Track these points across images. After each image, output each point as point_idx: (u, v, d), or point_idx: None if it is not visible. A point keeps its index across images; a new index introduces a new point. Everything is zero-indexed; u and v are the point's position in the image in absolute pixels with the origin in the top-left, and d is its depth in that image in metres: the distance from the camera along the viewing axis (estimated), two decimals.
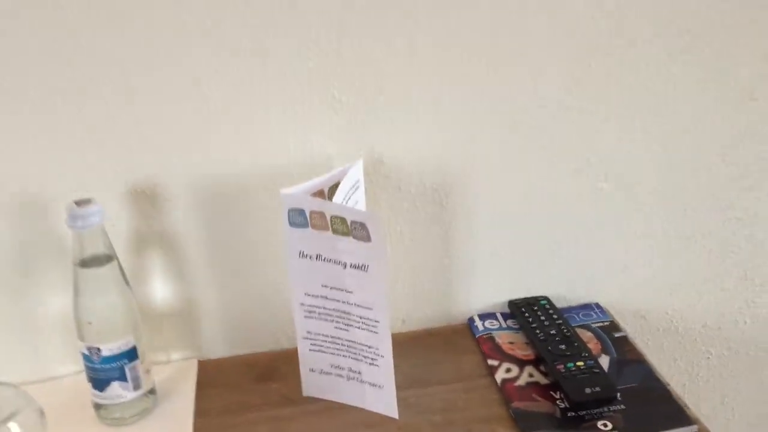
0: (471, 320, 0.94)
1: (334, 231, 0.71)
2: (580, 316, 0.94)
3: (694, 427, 0.75)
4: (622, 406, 0.78)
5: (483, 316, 0.94)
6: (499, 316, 0.94)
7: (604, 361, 0.85)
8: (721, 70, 0.88)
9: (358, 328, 0.75)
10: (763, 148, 0.93)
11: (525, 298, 0.95)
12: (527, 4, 0.81)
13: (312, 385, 0.82)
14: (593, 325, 0.92)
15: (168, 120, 0.79)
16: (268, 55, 0.78)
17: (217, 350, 0.91)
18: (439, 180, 0.87)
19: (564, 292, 0.97)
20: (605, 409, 0.77)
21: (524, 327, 0.89)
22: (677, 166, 0.92)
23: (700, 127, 0.91)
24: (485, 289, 0.95)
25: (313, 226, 0.72)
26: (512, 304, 0.94)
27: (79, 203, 0.72)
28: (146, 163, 0.80)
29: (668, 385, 0.81)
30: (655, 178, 0.93)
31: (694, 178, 0.93)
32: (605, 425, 0.75)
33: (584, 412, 0.77)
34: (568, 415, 0.77)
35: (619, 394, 0.79)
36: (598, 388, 0.78)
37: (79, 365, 0.80)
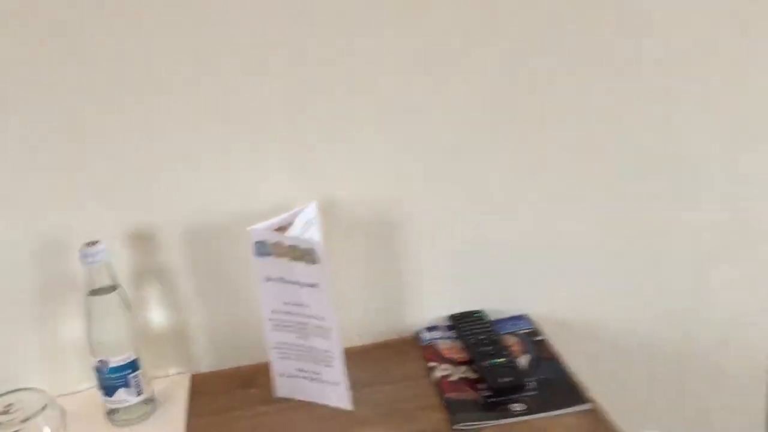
0: (418, 332, 1.12)
1: (291, 258, 0.90)
2: (510, 324, 1.12)
3: (588, 405, 0.92)
4: (535, 392, 0.95)
5: (429, 329, 1.12)
6: (441, 327, 1.12)
7: (525, 359, 1.03)
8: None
9: (315, 335, 0.94)
10: (680, 166, 1.11)
11: (463, 312, 1.13)
12: (456, 56, 1.01)
13: (283, 387, 1.00)
14: (519, 332, 1.10)
15: (160, 177, 0.99)
16: (231, 121, 0.99)
17: (207, 364, 1.09)
18: (386, 212, 1.07)
19: (498, 305, 1.15)
20: (519, 395, 0.95)
21: (461, 335, 1.07)
22: (602, 187, 1.11)
23: (617, 151, 1.10)
24: (431, 305, 1.13)
25: (275, 255, 0.91)
26: (453, 317, 1.12)
27: (88, 244, 0.92)
28: (142, 212, 1.00)
29: (574, 375, 0.99)
30: (581, 197, 1.11)
31: (614, 195, 1.12)
32: (519, 407, 0.93)
33: (502, 398, 0.94)
34: (489, 401, 0.94)
35: (533, 383, 0.96)
36: (511, 378, 0.96)
37: (92, 381, 0.98)
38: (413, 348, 1.10)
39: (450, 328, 1.11)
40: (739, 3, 1.05)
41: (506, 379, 0.95)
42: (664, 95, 1.08)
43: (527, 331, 1.10)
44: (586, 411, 0.92)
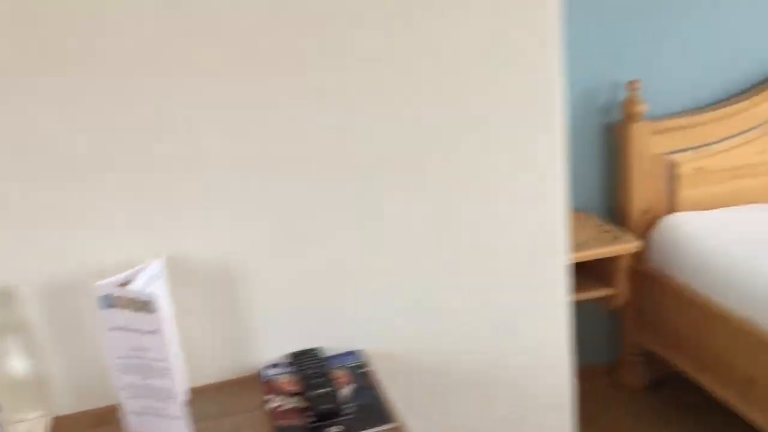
0: (261, 370, 1.27)
1: (133, 309, 1.04)
2: (341, 359, 1.28)
3: (394, 424, 1.09)
4: (353, 416, 1.11)
5: (271, 366, 1.27)
6: (282, 364, 1.27)
7: (349, 389, 1.19)
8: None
9: (157, 376, 1.07)
10: (460, 210, 1.31)
11: (303, 350, 1.28)
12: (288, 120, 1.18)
13: (134, 424, 1.12)
14: (348, 365, 1.26)
15: (16, 237, 1.11)
16: (83, 180, 1.12)
17: (67, 407, 1.20)
18: (229, 263, 1.22)
19: (335, 342, 1.31)
20: (339, 419, 1.11)
21: (297, 371, 1.23)
22: (417, 233, 1.30)
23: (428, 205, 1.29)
24: (274, 345, 1.28)
25: (119, 307, 1.05)
26: (293, 354, 1.27)
27: None
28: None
29: (388, 400, 1.16)
30: (401, 242, 1.29)
31: (429, 243, 1.31)
32: (336, 429, 1.09)
33: (324, 423, 1.10)
34: (313, 425, 1.10)
35: (353, 408, 1.13)
36: (331, 405, 1.12)
37: None
38: (255, 384, 1.24)
39: (290, 364, 1.26)
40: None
41: (326, 406, 1.11)
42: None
43: (355, 364, 1.27)
44: (392, 429, 1.09)
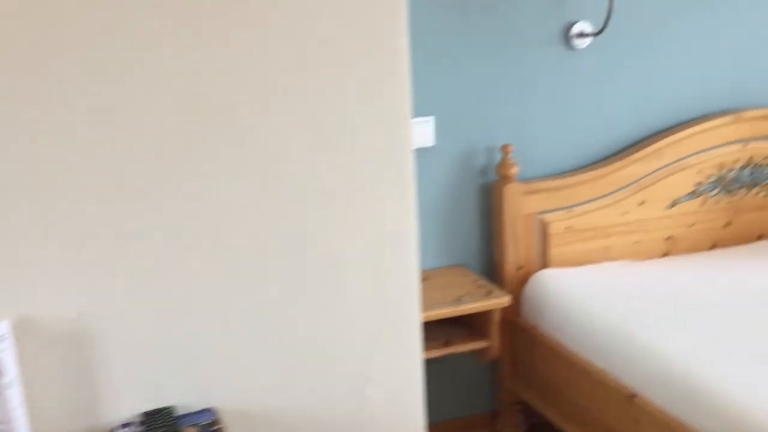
0: (113, 429, 1.30)
1: None
2: (194, 417, 1.32)
3: None
4: None
5: (123, 425, 1.30)
6: (135, 423, 1.30)
7: None
8: None
9: None
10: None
11: (156, 409, 1.32)
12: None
13: None
14: (201, 423, 1.31)
15: None
16: None
17: None
18: (80, 321, 1.25)
19: (190, 399, 1.35)
20: None
21: (148, 430, 1.26)
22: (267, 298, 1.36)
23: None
24: (127, 405, 1.31)
25: None
26: (145, 413, 1.31)
27: None
28: None
29: None
30: (250, 313, 1.35)
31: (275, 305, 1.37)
32: None
33: None
34: None
35: None
36: None
37: None
38: None
39: (141, 423, 1.30)
40: None
41: None
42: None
43: (208, 422, 1.31)
44: None
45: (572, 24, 2.56)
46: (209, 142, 1.27)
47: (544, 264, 2.61)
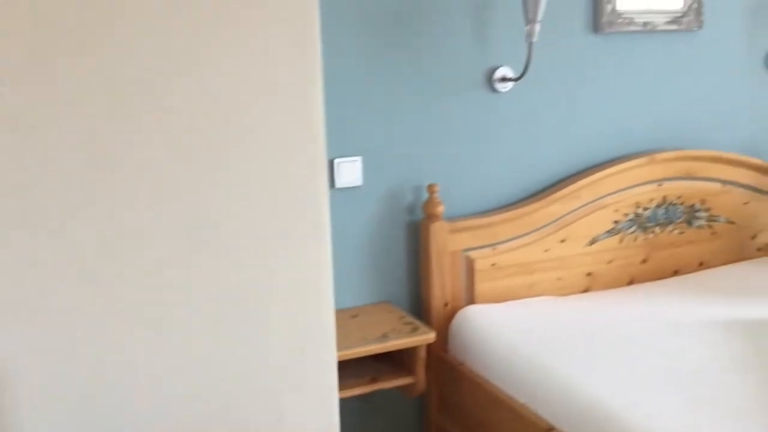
0: None
1: None
2: None
3: None
4: None
5: None
6: None
7: None
8: None
9: None
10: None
11: None
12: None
13: None
14: None
15: None
16: None
17: None
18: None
19: None
20: None
21: None
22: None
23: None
24: None
25: None
26: None
27: None
28: None
29: None
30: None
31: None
32: None
33: None
34: None
35: None
36: None
37: None
38: None
39: None
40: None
41: None
42: None
43: None
44: None
45: (495, 68, 2.67)
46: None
47: (471, 300, 2.67)
